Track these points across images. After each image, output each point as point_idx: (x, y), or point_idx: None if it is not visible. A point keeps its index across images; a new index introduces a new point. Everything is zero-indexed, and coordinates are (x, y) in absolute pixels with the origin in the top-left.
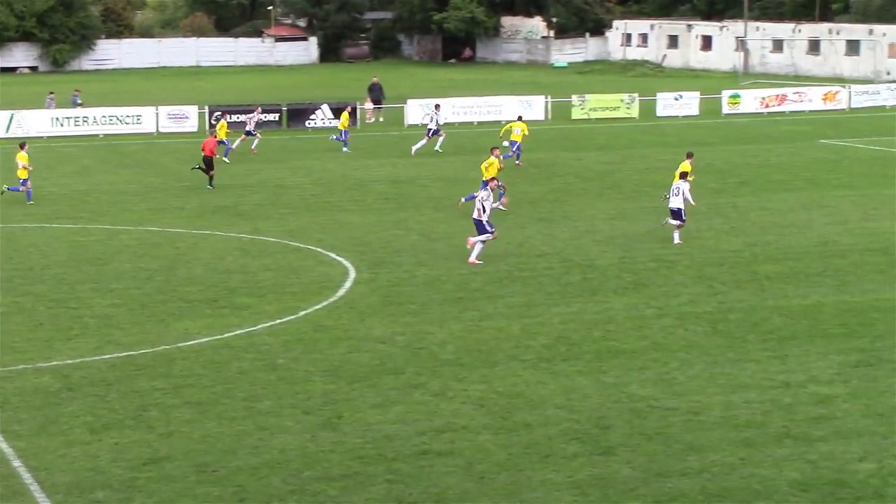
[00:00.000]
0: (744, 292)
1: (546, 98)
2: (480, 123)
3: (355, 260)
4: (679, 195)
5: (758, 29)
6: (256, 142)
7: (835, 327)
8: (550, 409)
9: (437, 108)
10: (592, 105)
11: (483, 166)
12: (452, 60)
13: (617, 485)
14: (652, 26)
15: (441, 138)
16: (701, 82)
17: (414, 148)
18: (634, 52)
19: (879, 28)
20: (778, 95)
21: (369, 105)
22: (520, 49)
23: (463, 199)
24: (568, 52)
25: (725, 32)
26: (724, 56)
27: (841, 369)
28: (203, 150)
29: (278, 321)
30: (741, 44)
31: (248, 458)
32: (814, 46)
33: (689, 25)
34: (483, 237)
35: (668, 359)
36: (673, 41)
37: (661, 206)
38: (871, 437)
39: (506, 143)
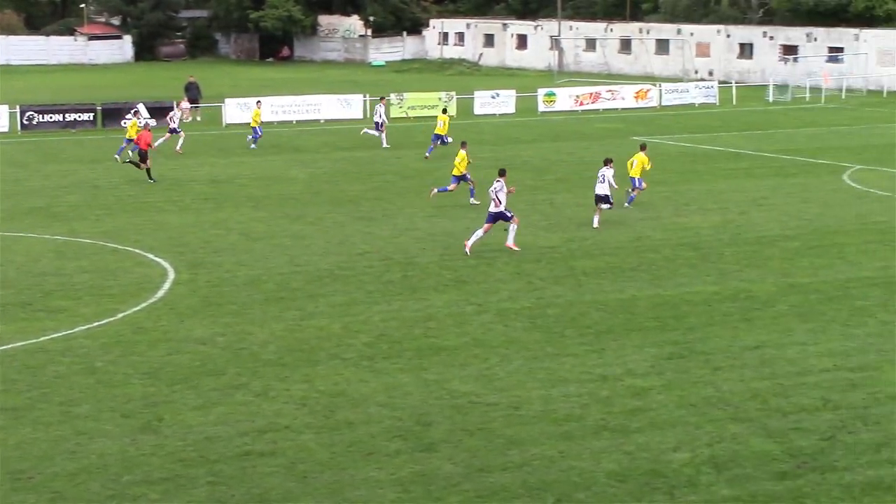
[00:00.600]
0: (562, 287)
1: (364, 97)
2: (299, 122)
3: (174, 260)
4: (604, 182)
5: (571, 28)
6: (181, 140)
7: (649, 321)
8: (373, 407)
9: (382, 100)
10: (411, 103)
11: (456, 161)
12: (270, 59)
13: (439, 481)
14: (468, 25)
15: (383, 134)
16: (517, 81)
17: (364, 131)
18: (451, 51)
19: (687, 28)
20: (592, 93)
21: (186, 104)
22: (338, 48)
23: (436, 190)
24: (385, 51)
25: (540, 32)
26: (539, 55)
27: (655, 362)
28: (138, 143)
29: (96, 324)
30: (555, 43)
31: (66, 464)
32: (625, 45)
33: (505, 24)
34: (515, 224)
35: (489, 355)
36: (489, 40)
37: (478, 204)
38: (685, 427)
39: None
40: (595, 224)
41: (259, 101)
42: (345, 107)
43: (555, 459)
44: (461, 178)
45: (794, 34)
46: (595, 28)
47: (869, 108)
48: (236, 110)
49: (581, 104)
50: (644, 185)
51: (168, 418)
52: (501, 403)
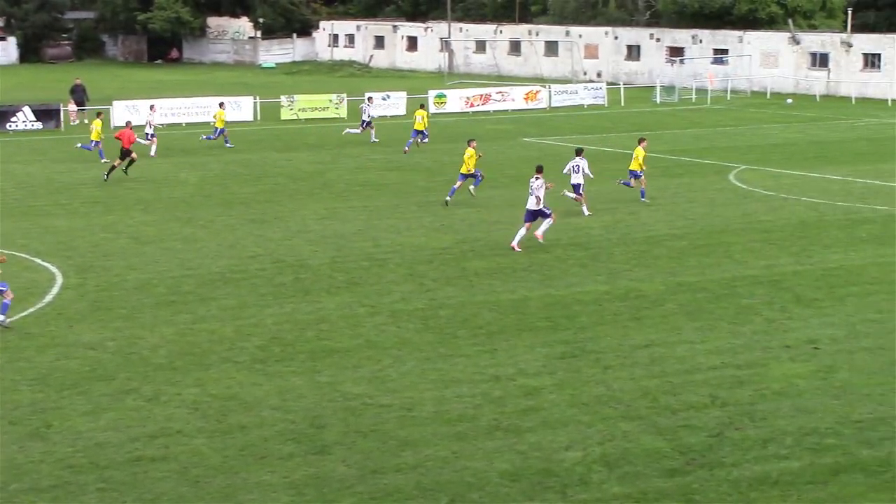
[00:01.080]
0: (454, 288)
1: (255, 99)
2: (189, 125)
3: (63, 265)
4: (580, 172)
5: (461, 30)
6: (154, 147)
7: (541, 320)
8: (266, 411)
9: (369, 100)
10: (301, 105)
11: (465, 157)
12: (159, 61)
13: (333, 483)
14: (358, 27)
15: (373, 130)
16: (408, 82)
17: (347, 131)
18: (342, 53)
19: (575, 29)
20: (482, 95)
21: (73, 107)
22: (227, 50)
23: (449, 197)
24: (276, 53)
25: (430, 33)
26: (429, 56)
27: (547, 361)
28: (120, 139)
29: None
30: (445, 44)
31: None
32: (515, 47)
33: (395, 26)
34: (551, 220)
35: (382, 356)
36: (379, 42)
37: (370, 205)
38: (577, 426)
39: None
40: (586, 213)
41: (222, 103)
42: (235, 109)
43: (448, 460)
44: (469, 176)
45: (681, 36)
46: (485, 30)
47: (753, 108)
48: (124, 113)
49: (472, 105)
50: (641, 175)
51: (57, 424)
52: (394, 405)
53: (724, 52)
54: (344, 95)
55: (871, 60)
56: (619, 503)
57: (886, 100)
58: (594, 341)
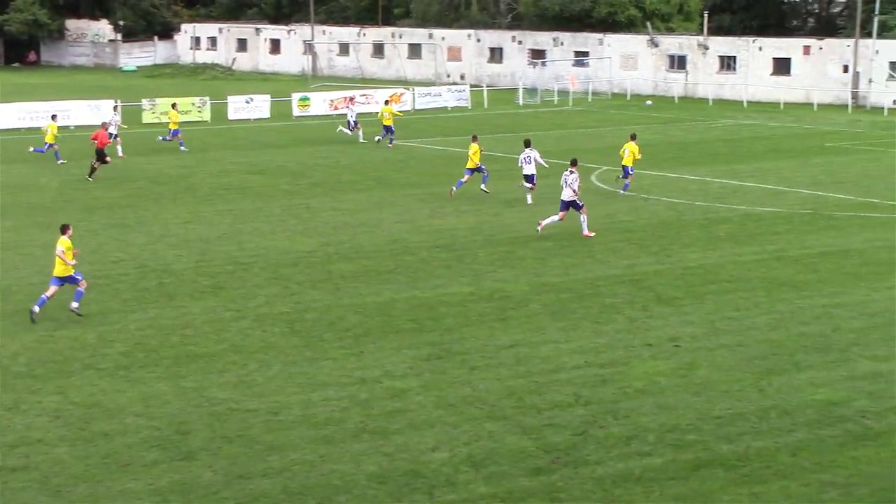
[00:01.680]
0: (319, 292)
1: (116, 102)
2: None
3: None
4: (531, 162)
5: (324, 33)
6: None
7: (407, 322)
8: (129, 418)
9: (351, 100)
10: (164, 108)
11: (470, 153)
12: (16, 64)
13: (199, 489)
14: (220, 30)
15: (360, 130)
16: (271, 85)
17: (341, 129)
18: (204, 56)
19: (438, 32)
20: (346, 98)
21: None
22: (87, 52)
23: (454, 188)
24: (137, 56)
25: (293, 36)
26: (292, 59)
27: (413, 363)
28: (96, 139)
29: None
30: (309, 47)
31: None
32: (378, 50)
33: (258, 29)
34: (584, 215)
35: (247, 361)
36: (242, 45)
37: (235, 208)
38: (443, 427)
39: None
40: (528, 201)
41: (175, 104)
42: (95, 112)
43: (315, 464)
44: (475, 170)
45: (542, 39)
46: (348, 33)
47: (613, 110)
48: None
49: (336, 108)
50: (632, 172)
51: None
52: (261, 409)
53: (585, 54)
54: (207, 99)
55: (727, 63)
56: (485, 503)
57: (742, 101)
58: (460, 342)
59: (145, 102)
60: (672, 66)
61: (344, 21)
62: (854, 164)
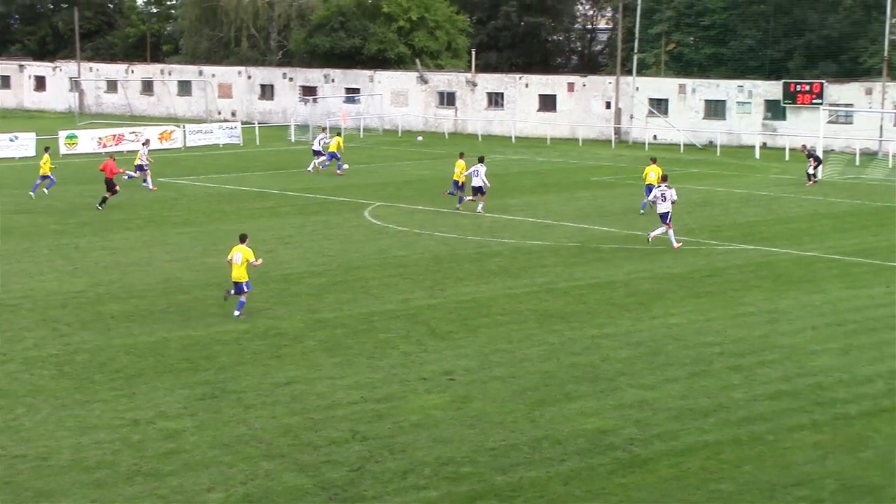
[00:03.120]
0: (89, 333)
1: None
2: None
3: None
4: (479, 176)
5: (91, 69)
6: (149, 178)
7: (181, 362)
8: None
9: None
10: None
11: (457, 172)
12: None
13: None
14: None
15: (320, 159)
16: (36, 123)
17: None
18: None
19: (209, 69)
20: (115, 135)
21: None
22: None
23: (458, 204)
24: None
25: (59, 73)
26: (59, 97)
27: (188, 403)
28: (104, 170)
29: None
30: (76, 84)
31: None
32: (147, 87)
33: (22, 66)
34: (669, 225)
35: (15, 405)
36: (5, 81)
37: (0, 249)
38: (219, 467)
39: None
40: (479, 209)
41: (48, 148)
42: None
43: None
44: (457, 185)
45: (313, 75)
46: (116, 69)
47: (385, 146)
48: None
49: (104, 146)
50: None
51: None
52: (29, 455)
53: (357, 91)
54: None
55: (495, 99)
56: None
57: (510, 136)
58: (235, 381)
59: None
60: (442, 103)
61: (111, 58)
62: (618, 198)
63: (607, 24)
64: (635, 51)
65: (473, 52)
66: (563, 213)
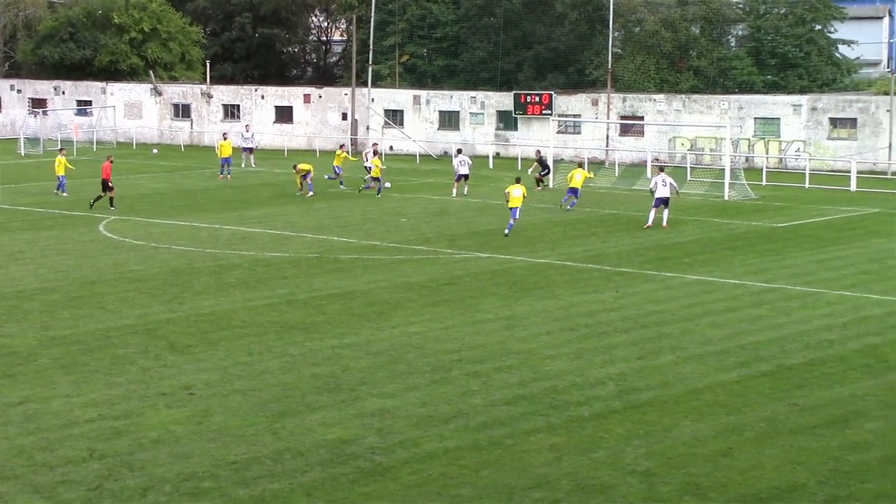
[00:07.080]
0: None
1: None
2: None
3: None
4: (465, 165)
5: None
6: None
7: None
8: None
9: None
10: None
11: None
12: None
13: None
14: None
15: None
16: None
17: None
18: None
19: None
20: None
21: None
22: None
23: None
24: None
25: None
26: None
27: None
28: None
29: None
30: None
31: None
32: None
33: None
34: (667, 212)
35: None
36: None
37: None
38: None
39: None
40: (463, 192)
41: (62, 150)
42: None
43: None
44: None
45: (42, 87)
46: None
47: (120, 159)
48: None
49: None
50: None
51: None
52: None
53: (88, 103)
54: None
55: (231, 111)
56: None
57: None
58: None
59: None
60: (177, 115)
61: None
62: (357, 209)
63: (342, 35)
64: (370, 62)
65: (208, 64)
66: (302, 225)
